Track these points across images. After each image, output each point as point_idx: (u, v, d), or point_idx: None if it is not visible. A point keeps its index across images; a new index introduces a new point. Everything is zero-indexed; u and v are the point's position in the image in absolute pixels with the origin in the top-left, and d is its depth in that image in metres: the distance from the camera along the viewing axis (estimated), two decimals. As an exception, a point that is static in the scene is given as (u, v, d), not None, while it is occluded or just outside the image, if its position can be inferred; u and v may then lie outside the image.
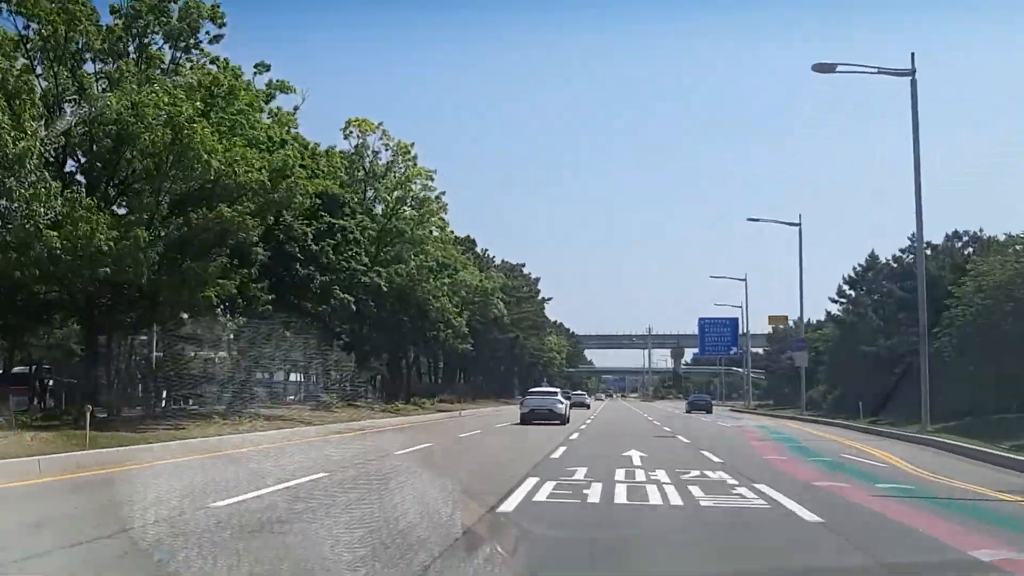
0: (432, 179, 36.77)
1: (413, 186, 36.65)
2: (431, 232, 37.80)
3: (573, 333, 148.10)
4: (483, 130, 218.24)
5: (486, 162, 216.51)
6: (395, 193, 36.44)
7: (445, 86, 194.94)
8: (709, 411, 62.07)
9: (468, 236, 59.42)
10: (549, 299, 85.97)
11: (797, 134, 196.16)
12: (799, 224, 53.15)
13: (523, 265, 69.88)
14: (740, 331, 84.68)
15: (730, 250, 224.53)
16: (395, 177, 36.39)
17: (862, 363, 56.65)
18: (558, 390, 41.74)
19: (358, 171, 36.24)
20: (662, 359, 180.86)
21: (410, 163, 36.52)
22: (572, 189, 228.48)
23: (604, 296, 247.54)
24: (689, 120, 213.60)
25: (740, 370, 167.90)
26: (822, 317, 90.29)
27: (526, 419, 32.63)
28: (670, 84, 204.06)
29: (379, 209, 36.89)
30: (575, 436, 25.79)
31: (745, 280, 76.79)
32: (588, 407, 64.93)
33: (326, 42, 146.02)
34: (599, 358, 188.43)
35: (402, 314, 38.80)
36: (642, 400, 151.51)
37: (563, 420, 32.94)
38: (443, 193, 37.59)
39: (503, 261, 66.25)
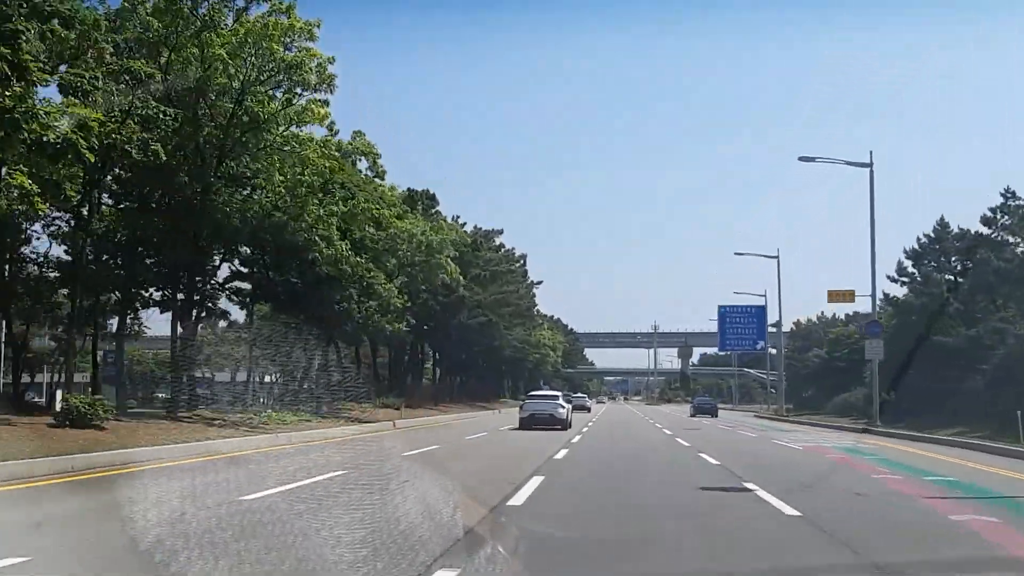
0: (314, 38, 20.95)
1: (279, 49, 20.81)
2: (309, 134, 22.00)
3: (571, 330, 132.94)
4: (483, 130, 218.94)
5: (486, 161, 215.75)
6: (247, 58, 20.51)
7: (445, 86, 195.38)
8: (714, 415, 58.67)
9: (425, 191, 44.36)
10: (539, 283, 70.93)
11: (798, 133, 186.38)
12: (870, 164, 37.90)
13: (500, 232, 54.32)
14: (767, 323, 69.36)
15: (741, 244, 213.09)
16: (245, 31, 20.58)
17: (933, 358, 42.28)
18: (559, 393, 38.35)
19: (183, 25, 20.33)
20: (667, 359, 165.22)
21: (279, 10, 20.85)
22: (573, 187, 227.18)
23: (606, 293, 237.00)
24: (689, 120, 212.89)
25: (753, 371, 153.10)
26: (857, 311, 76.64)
27: (525, 424, 30.60)
28: (670, 84, 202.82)
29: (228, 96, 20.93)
30: (530, 488, 10.98)
31: (777, 257, 61.76)
32: (588, 410, 61.02)
33: (326, 42, 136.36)
34: (600, 358, 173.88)
35: (283, 269, 24.09)
36: (647, 403, 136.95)
37: (564, 425, 30.71)
38: (331, 60, 21.54)
39: (476, 227, 51.24)
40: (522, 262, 66.56)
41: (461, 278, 34.87)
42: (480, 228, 49.87)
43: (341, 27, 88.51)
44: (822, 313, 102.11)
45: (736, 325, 68.51)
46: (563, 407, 32.13)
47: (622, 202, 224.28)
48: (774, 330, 69.95)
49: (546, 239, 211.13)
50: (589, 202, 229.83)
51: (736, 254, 63.91)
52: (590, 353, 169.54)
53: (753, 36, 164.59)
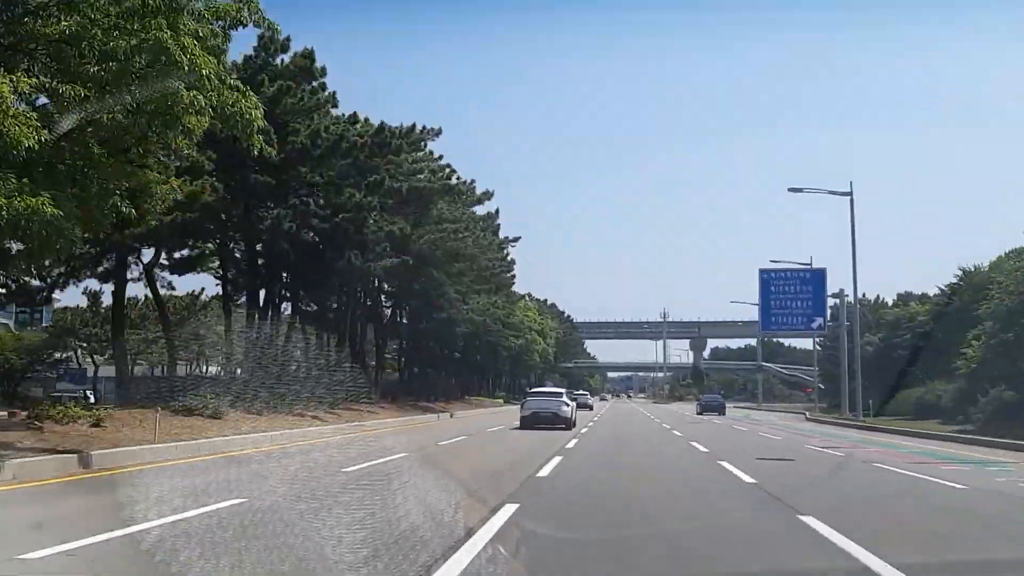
0: None
1: None
2: None
3: (569, 317, 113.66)
4: (479, 122, 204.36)
5: (484, 157, 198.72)
6: None
7: (440, 79, 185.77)
8: (722, 412, 55.19)
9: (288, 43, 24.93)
10: (516, 239, 51.25)
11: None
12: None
13: (436, 133, 31.92)
14: (827, 293, 49.69)
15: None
16: None
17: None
18: (563, 390, 34.55)
19: None
20: (677, 353, 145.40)
21: None
22: (573, 180, 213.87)
23: (609, 285, 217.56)
24: (689, 112, 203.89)
25: (773, 366, 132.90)
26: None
27: (527, 423, 27.92)
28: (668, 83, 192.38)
29: None
30: None
31: (850, 195, 42.18)
32: (591, 408, 58.30)
33: (337, 40, 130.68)
34: (603, 351, 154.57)
35: None
36: (655, 402, 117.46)
37: (568, 424, 28.21)
38: None
39: (403, 125, 30.92)
40: (494, 215, 46.98)
41: (271, 150, 15.34)
42: (403, 126, 30.11)
43: (339, 25, 73.77)
44: (863, 295, 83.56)
45: (785, 297, 48.87)
46: (567, 405, 29.74)
47: (624, 193, 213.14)
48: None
49: (544, 231, 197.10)
50: (589, 194, 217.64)
51: (791, 190, 43.45)
52: (592, 346, 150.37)
53: (752, 35, 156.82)
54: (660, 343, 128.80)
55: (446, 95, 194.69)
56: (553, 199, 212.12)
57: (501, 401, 63.92)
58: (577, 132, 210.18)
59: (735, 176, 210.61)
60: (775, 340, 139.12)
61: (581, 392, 68.02)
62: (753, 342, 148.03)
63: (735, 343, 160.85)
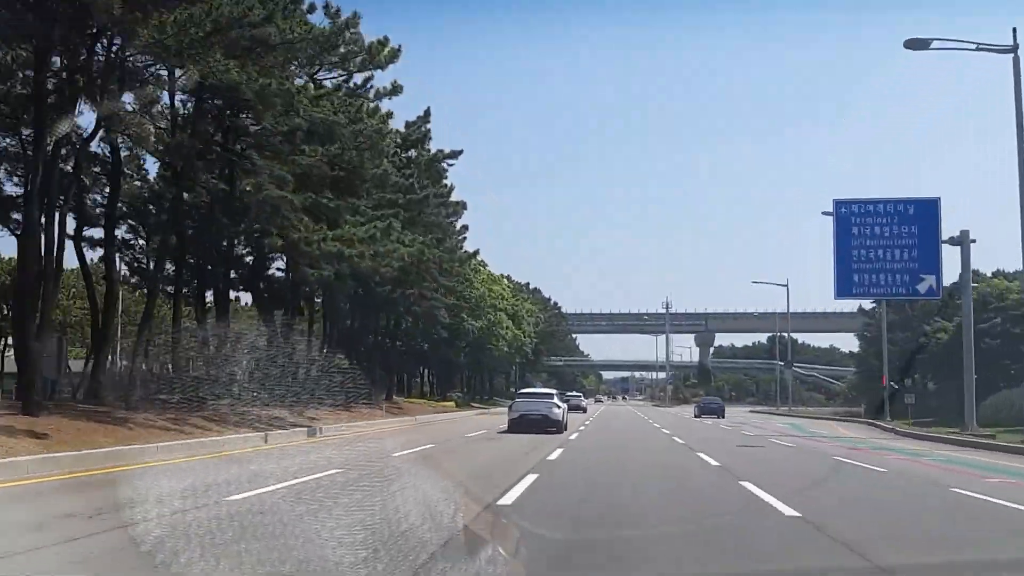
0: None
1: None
2: None
3: (556, 305, 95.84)
4: (480, 117, 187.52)
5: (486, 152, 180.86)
6: None
7: (441, 80, 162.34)
8: (721, 415, 50.72)
9: None
10: (458, 153, 33.07)
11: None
12: None
13: None
14: (942, 237, 31.34)
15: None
16: None
17: None
18: (554, 392, 32.29)
19: None
20: (679, 350, 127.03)
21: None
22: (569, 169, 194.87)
23: (608, 276, 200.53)
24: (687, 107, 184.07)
25: (791, 366, 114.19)
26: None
27: (515, 426, 26.28)
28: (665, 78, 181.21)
29: None
30: None
31: (1015, 50, 24.06)
32: (584, 410, 53.92)
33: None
34: (597, 348, 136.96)
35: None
36: (655, 404, 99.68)
37: (559, 428, 26.67)
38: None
39: None
40: (423, 115, 29.24)
41: None
42: None
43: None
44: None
45: (875, 244, 30.19)
46: (558, 407, 27.52)
47: (623, 185, 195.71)
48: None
49: (545, 228, 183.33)
50: (587, 188, 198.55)
51: (907, 45, 24.83)
52: (585, 342, 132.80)
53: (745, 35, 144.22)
54: (661, 339, 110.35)
55: (446, 95, 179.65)
56: (551, 193, 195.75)
57: (452, 405, 45.82)
58: (574, 126, 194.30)
59: (739, 169, 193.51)
60: (785, 335, 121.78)
61: (574, 393, 63.58)
62: (764, 339, 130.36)
63: (741, 340, 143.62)
